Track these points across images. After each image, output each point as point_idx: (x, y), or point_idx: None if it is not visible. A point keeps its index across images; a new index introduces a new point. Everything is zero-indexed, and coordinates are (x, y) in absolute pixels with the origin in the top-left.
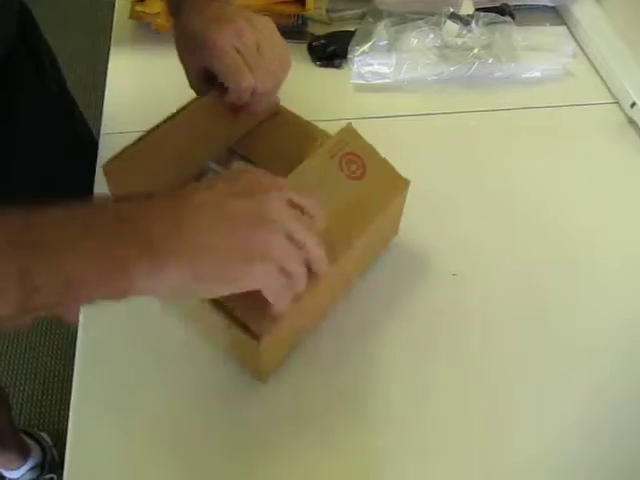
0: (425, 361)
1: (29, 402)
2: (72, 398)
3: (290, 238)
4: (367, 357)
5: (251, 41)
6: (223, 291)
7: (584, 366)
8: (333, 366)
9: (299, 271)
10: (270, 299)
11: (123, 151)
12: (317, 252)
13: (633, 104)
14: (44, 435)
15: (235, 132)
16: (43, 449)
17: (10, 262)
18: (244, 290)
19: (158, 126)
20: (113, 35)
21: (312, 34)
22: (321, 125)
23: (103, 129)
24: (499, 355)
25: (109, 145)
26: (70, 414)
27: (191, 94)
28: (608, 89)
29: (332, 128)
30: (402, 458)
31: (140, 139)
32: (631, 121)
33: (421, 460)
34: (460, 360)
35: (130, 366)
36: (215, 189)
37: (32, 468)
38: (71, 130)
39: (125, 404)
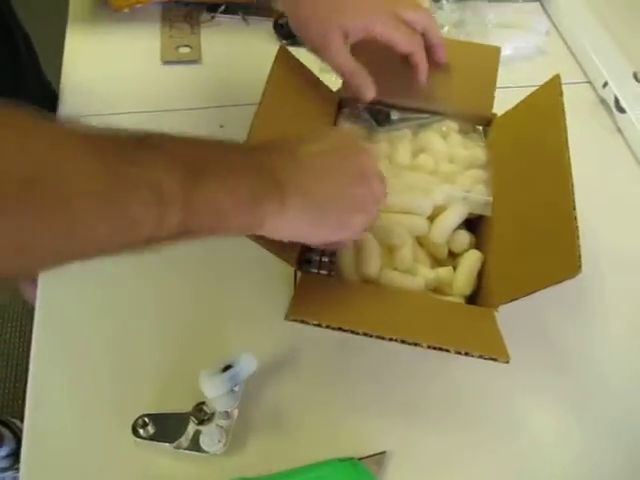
0: None
1: (1, 389)
2: (29, 380)
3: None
4: None
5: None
6: (333, 237)
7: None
8: None
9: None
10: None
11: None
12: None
13: (605, 84)
14: (17, 422)
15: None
16: (17, 437)
17: (177, 185)
18: (343, 238)
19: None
20: (69, 15)
21: (278, 12)
22: None
23: (59, 112)
24: None
25: None
26: (27, 395)
27: (146, 75)
28: (581, 68)
29: None
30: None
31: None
32: (603, 101)
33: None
34: None
35: (87, 345)
36: (316, 143)
37: (5, 457)
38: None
39: (83, 380)
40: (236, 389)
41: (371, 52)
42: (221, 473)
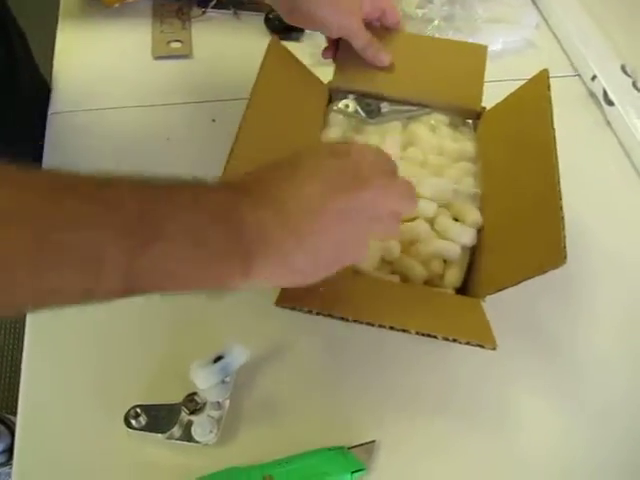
0: None
1: None
2: (22, 374)
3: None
4: None
5: None
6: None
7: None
8: None
9: None
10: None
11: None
12: None
13: (594, 77)
14: (13, 418)
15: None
16: (12, 433)
17: (120, 252)
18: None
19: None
20: (60, 10)
21: (269, 6)
22: None
23: (51, 108)
24: None
25: (57, 125)
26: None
27: (138, 70)
28: (570, 61)
29: None
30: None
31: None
32: (592, 94)
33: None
34: None
35: (78, 336)
36: (316, 176)
37: (1, 452)
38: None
39: (74, 372)
40: (227, 380)
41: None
42: (213, 463)
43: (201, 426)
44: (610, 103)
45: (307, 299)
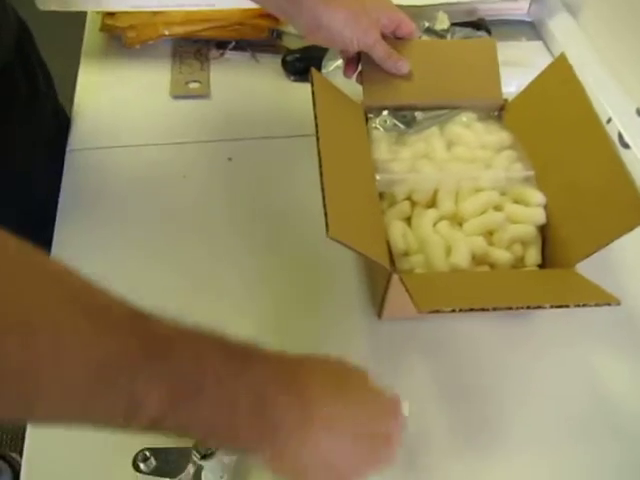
0: None
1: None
2: None
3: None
4: None
5: None
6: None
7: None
8: None
9: None
10: None
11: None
12: None
13: (609, 120)
14: (15, 456)
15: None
16: (14, 470)
17: (159, 404)
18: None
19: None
20: (83, 49)
21: (286, 48)
22: (297, 140)
23: (69, 145)
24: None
25: (75, 162)
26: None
27: (156, 109)
28: None
29: (308, 143)
30: None
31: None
32: None
33: None
34: None
35: None
36: (345, 396)
37: None
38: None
39: None
40: None
41: None
42: None
43: (212, 471)
44: (625, 146)
45: (444, 300)
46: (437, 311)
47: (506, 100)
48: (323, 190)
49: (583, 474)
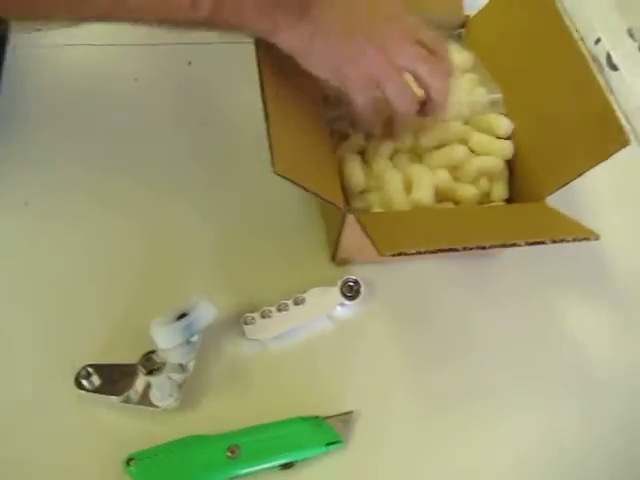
0: None
1: None
2: None
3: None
4: None
5: None
6: (361, 56)
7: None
8: None
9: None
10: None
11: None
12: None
13: (598, 40)
14: None
15: None
16: None
17: None
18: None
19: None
20: None
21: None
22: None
23: (11, 40)
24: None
25: (18, 57)
26: None
27: None
28: (572, 24)
29: None
30: None
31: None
32: (594, 58)
33: None
34: None
35: (26, 288)
36: None
37: None
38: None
39: (16, 337)
40: (194, 339)
41: None
42: (173, 430)
43: (159, 389)
44: (614, 68)
45: (402, 244)
46: (400, 254)
47: (467, 16)
48: (268, 123)
49: (554, 423)
